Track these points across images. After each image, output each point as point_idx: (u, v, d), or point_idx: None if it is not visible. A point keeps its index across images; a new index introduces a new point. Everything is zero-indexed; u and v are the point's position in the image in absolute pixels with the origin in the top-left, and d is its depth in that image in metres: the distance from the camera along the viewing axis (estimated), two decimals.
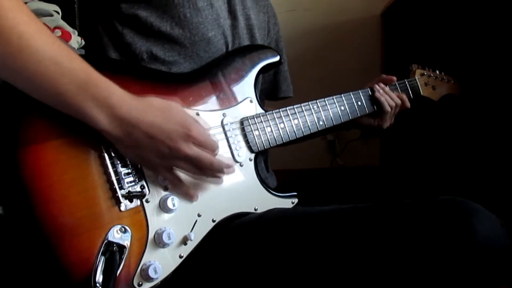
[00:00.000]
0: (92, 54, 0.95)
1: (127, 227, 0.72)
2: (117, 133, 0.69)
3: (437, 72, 1.27)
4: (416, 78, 1.20)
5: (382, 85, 1.10)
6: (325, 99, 1.00)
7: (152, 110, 0.71)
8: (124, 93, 0.69)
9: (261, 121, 0.91)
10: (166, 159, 0.72)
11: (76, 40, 1.61)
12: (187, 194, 0.79)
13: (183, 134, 0.72)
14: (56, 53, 0.64)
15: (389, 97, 1.09)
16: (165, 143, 0.70)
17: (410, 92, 1.16)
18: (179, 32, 0.89)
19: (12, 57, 0.62)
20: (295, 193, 0.93)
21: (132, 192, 0.73)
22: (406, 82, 1.16)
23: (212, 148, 0.76)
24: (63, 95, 0.65)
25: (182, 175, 0.78)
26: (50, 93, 0.65)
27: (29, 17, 0.63)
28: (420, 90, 1.20)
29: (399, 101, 1.10)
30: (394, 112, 1.12)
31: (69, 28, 1.62)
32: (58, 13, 1.57)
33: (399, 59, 2.20)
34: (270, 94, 1.17)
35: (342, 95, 1.03)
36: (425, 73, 1.23)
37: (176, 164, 0.74)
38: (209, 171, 0.77)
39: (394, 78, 1.14)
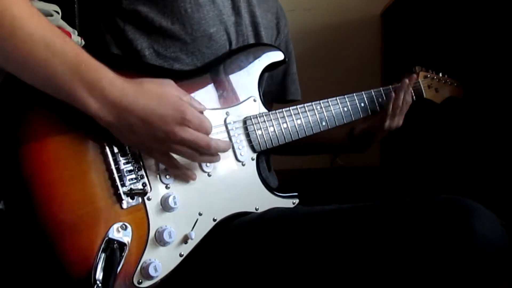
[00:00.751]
0: (93, 50, 0.94)
1: (128, 225, 0.72)
2: (109, 118, 0.67)
3: (440, 74, 1.27)
4: (420, 80, 1.20)
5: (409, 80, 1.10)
6: (329, 100, 1.00)
7: (145, 94, 0.70)
8: (115, 76, 0.68)
9: (264, 121, 0.91)
10: (162, 143, 0.71)
11: (76, 40, 1.61)
12: (186, 176, 0.79)
13: (179, 118, 0.70)
14: (48, 35, 0.64)
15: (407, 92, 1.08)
16: (160, 127, 0.69)
17: (413, 94, 1.15)
18: (180, 27, 0.88)
19: (4, 40, 0.62)
20: (296, 193, 0.93)
21: (134, 190, 0.73)
22: None
23: (207, 130, 0.74)
24: (54, 77, 0.64)
25: (178, 158, 0.77)
26: (41, 75, 0.65)
27: (22, 1, 0.63)
28: (423, 92, 1.20)
29: (409, 99, 1.09)
30: (404, 109, 1.09)
31: (69, 28, 1.61)
32: (58, 13, 1.57)
33: (399, 59, 2.20)
34: (278, 97, 1.16)
35: (345, 96, 1.03)
36: (429, 76, 1.22)
37: (172, 148, 0.72)
38: (206, 153, 0.76)
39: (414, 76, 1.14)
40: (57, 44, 0.64)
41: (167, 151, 0.74)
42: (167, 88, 0.73)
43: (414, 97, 1.16)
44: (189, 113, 0.71)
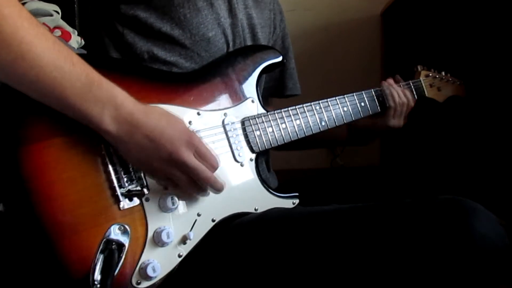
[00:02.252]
0: (93, 54, 0.95)
1: (126, 226, 0.72)
2: (119, 134, 0.68)
3: (443, 73, 1.26)
4: (421, 79, 1.19)
5: (390, 80, 1.11)
6: (328, 100, 0.99)
7: (155, 114, 0.71)
8: (127, 95, 0.69)
9: (263, 121, 0.91)
10: (165, 164, 0.71)
11: (76, 40, 1.61)
12: (189, 197, 0.79)
13: (185, 141, 0.71)
14: (57, 57, 0.64)
15: (395, 91, 1.09)
16: (166, 147, 0.70)
17: (415, 93, 1.15)
18: (179, 32, 0.89)
19: (14, 64, 0.62)
20: (297, 194, 0.92)
21: (131, 191, 0.73)
22: (411, 83, 1.16)
23: (212, 162, 0.75)
24: (66, 98, 0.65)
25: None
26: (52, 96, 0.65)
27: (28, 22, 0.63)
28: (425, 91, 1.19)
29: (404, 99, 1.10)
30: (402, 111, 1.10)
31: (69, 28, 1.62)
32: (58, 13, 1.57)
33: (399, 59, 2.20)
34: (276, 92, 1.16)
35: (345, 96, 1.03)
36: (430, 75, 1.22)
37: (172, 172, 0.72)
38: (201, 186, 0.75)
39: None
40: (66, 65, 0.65)
41: (168, 174, 0.73)
42: (176, 116, 0.75)
43: (416, 96, 1.16)
44: (196, 138, 0.73)
